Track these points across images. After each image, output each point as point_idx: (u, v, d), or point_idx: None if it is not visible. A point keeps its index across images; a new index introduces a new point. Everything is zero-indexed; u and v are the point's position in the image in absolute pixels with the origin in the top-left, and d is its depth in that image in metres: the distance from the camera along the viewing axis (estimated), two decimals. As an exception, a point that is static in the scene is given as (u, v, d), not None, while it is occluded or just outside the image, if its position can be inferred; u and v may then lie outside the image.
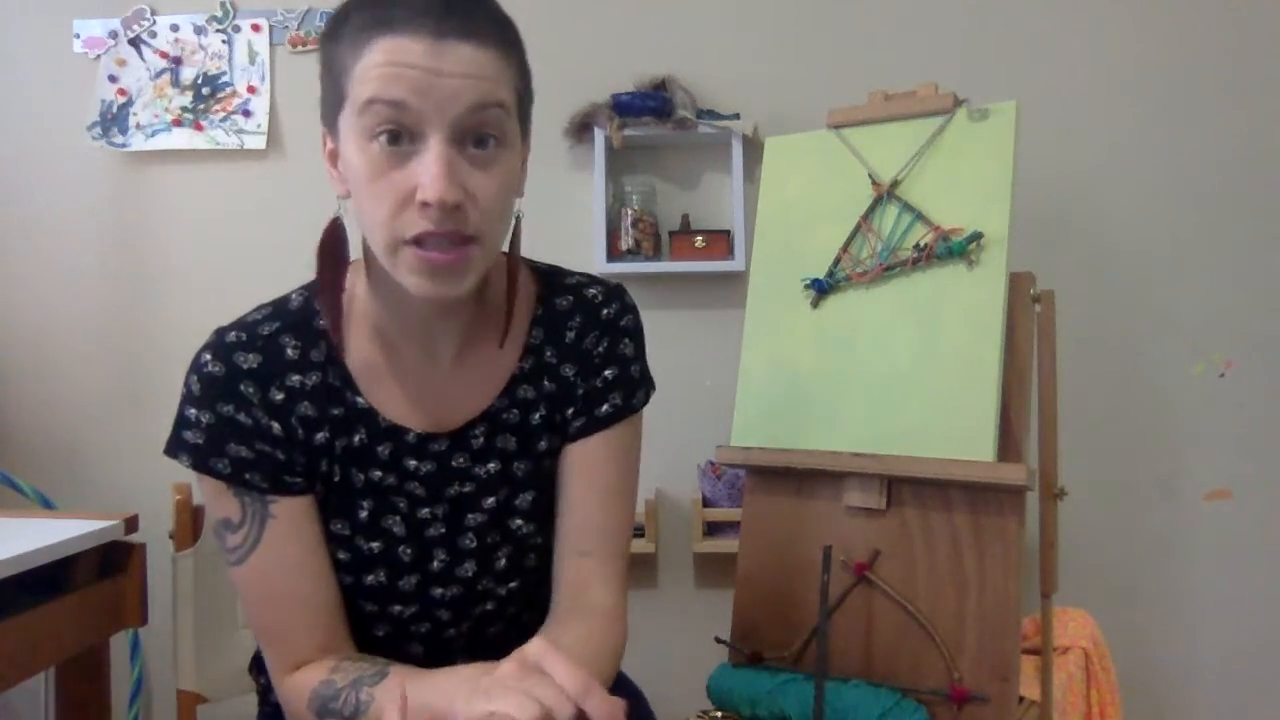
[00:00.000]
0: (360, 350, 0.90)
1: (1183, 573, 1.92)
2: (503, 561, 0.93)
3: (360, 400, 0.89)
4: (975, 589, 1.14)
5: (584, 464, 0.94)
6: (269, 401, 0.86)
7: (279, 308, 0.91)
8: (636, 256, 1.88)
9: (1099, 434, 1.90)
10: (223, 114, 1.97)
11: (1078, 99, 1.91)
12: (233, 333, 0.87)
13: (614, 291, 0.98)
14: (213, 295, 1.95)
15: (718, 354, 1.90)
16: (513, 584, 0.95)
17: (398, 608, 0.92)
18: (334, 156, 0.84)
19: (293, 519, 0.87)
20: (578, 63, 1.92)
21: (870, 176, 1.30)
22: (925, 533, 1.19)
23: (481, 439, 0.92)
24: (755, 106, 1.90)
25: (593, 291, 0.97)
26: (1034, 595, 1.24)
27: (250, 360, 0.86)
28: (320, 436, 0.88)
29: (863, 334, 1.27)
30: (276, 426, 0.86)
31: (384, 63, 0.75)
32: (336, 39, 0.79)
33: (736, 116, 1.88)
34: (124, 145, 1.96)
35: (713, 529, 1.85)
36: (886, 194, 1.28)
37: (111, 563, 1.44)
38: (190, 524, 1.37)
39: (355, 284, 0.90)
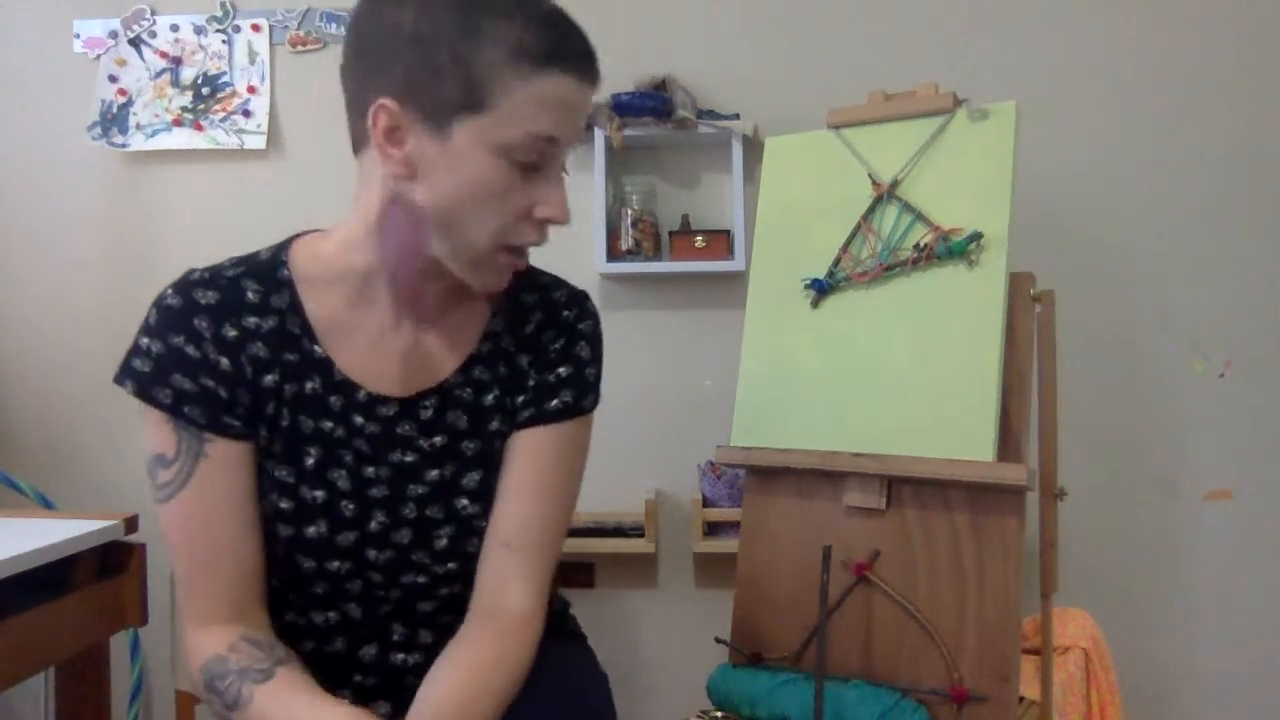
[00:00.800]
0: (325, 306, 0.92)
1: (1183, 573, 1.92)
2: (444, 541, 0.94)
3: (318, 349, 0.91)
4: (975, 589, 1.14)
5: (526, 456, 0.95)
6: (221, 337, 0.88)
7: (248, 258, 0.93)
8: (636, 256, 1.88)
9: (1099, 434, 1.90)
10: (223, 114, 1.97)
11: (1078, 99, 1.91)
12: (198, 273, 0.90)
13: (578, 296, 1.02)
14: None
15: (718, 354, 1.90)
16: (451, 565, 0.95)
17: (335, 563, 0.92)
18: (394, 133, 0.83)
19: (225, 462, 0.87)
20: (578, 63, 1.92)
21: (870, 176, 1.30)
22: (925, 533, 1.19)
23: (430, 411, 0.94)
24: (755, 106, 1.90)
25: (558, 294, 1.01)
26: (1034, 595, 1.24)
27: (209, 297, 0.88)
28: (269, 379, 0.89)
29: (863, 334, 1.27)
30: (225, 362, 0.87)
31: (557, 100, 0.81)
32: (490, 37, 0.79)
33: (736, 116, 1.88)
34: (124, 145, 1.96)
35: (713, 529, 1.85)
36: (886, 194, 1.28)
37: (111, 563, 1.44)
38: (190, 524, 1.37)
39: (326, 242, 0.93)
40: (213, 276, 0.90)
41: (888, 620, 1.19)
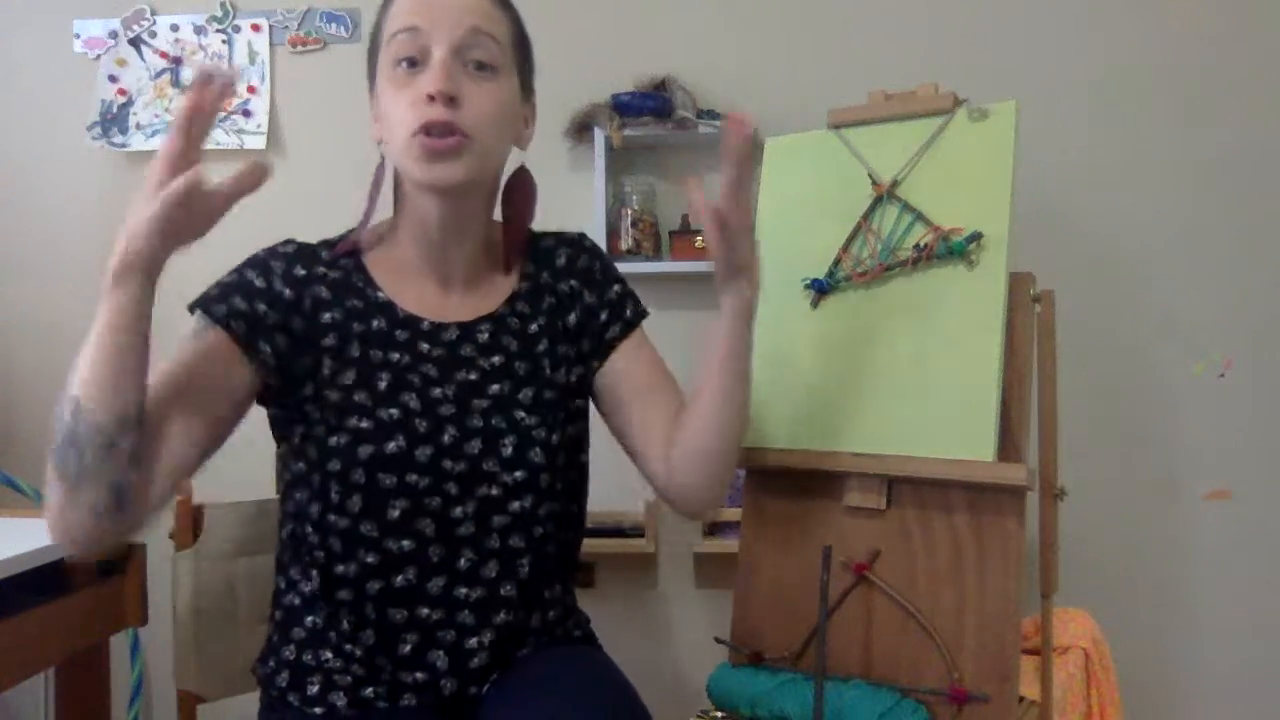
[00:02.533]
0: (384, 269, 1.08)
1: (1183, 572, 1.92)
2: (509, 450, 1.03)
3: (380, 294, 1.05)
4: (975, 589, 1.14)
5: (634, 364, 1.12)
6: (289, 273, 1.03)
7: (326, 239, 1.10)
8: (636, 256, 1.88)
9: (1099, 434, 1.90)
10: (223, 114, 1.97)
11: (1078, 99, 1.91)
12: (283, 241, 1.08)
13: (585, 235, 1.19)
14: (213, 295, 1.95)
15: (718, 354, 1.90)
16: (518, 473, 1.03)
17: (413, 477, 1.00)
18: (375, 115, 1.04)
19: (207, 348, 0.97)
20: (578, 63, 1.92)
21: (870, 176, 1.30)
22: (925, 533, 1.19)
23: (486, 335, 1.07)
24: (755, 106, 1.90)
25: (571, 235, 1.18)
26: (1034, 595, 1.24)
27: (289, 248, 1.06)
28: (329, 315, 1.03)
29: (863, 334, 1.26)
30: (288, 292, 1.01)
31: (402, 2, 1.00)
32: (380, 11, 1.03)
33: (736, 116, 1.88)
34: (124, 145, 1.96)
35: (713, 529, 1.85)
36: (886, 194, 1.28)
37: (111, 563, 1.44)
38: (190, 524, 1.37)
39: (379, 226, 1.10)
40: (294, 242, 1.07)
41: (888, 620, 1.19)
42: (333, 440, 0.97)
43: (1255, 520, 1.90)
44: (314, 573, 1.01)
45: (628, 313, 1.14)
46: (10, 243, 1.98)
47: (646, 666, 1.98)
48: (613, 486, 1.90)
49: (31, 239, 1.98)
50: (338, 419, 0.98)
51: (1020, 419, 1.16)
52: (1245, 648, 1.91)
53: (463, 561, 1.01)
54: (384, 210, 1.11)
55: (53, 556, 1.30)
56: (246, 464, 1.72)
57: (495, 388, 1.05)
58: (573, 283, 1.13)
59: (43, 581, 1.30)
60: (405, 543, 0.99)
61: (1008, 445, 1.15)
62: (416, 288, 1.07)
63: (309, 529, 1.01)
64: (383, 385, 1.01)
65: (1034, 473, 1.14)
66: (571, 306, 1.12)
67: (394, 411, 0.99)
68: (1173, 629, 1.93)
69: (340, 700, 1.00)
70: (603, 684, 1.03)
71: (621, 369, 1.12)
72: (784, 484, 1.30)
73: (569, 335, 1.12)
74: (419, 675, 1.01)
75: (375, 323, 1.03)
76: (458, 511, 1.01)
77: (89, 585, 1.40)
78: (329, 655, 1.01)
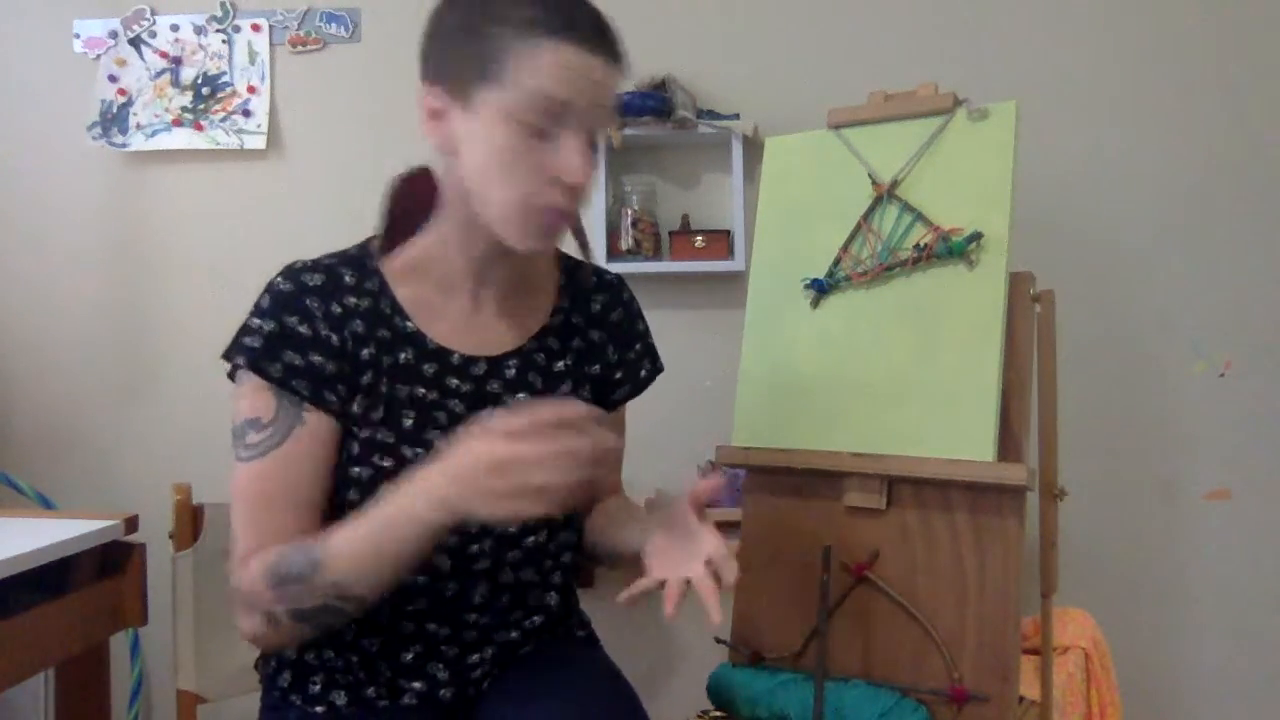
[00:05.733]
0: (411, 290, 1.01)
1: (1183, 573, 1.92)
2: None
3: (409, 324, 1.00)
4: (975, 589, 1.14)
5: (613, 424, 1.08)
6: (330, 314, 0.96)
7: (338, 253, 1.02)
8: (636, 256, 1.88)
9: (1099, 434, 1.90)
10: (223, 114, 1.97)
11: (1078, 99, 1.91)
12: (300, 262, 0.99)
13: (623, 281, 1.17)
14: (212, 295, 1.95)
15: (718, 354, 1.90)
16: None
17: None
18: (437, 114, 0.93)
19: (316, 433, 0.94)
20: (578, 63, 1.92)
21: (870, 176, 1.30)
22: (925, 533, 1.19)
23: (513, 371, 1.04)
24: (755, 106, 1.90)
25: (610, 278, 1.16)
26: (1034, 595, 1.24)
27: (315, 279, 0.96)
28: (366, 352, 0.97)
29: (863, 334, 1.26)
30: (335, 338, 0.95)
31: (563, 65, 0.88)
32: (498, 19, 0.89)
33: (736, 116, 1.88)
34: (124, 145, 1.96)
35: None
36: (886, 194, 1.28)
37: (111, 563, 1.44)
38: (190, 524, 1.37)
39: (418, 234, 1.02)
40: (314, 264, 0.98)
41: (888, 620, 1.18)
42: (354, 471, 0.96)
43: (1255, 520, 1.90)
44: None
45: (642, 373, 1.16)
46: (10, 242, 1.98)
47: (646, 666, 1.98)
48: (613, 486, 1.90)
49: (31, 239, 1.98)
50: (362, 452, 0.96)
51: (1020, 419, 1.16)
52: (1245, 647, 1.91)
53: (477, 596, 1.02)
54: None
55: (53, 556, 1.29)
56: (246, 464, 1.72)
57: None
58: (603, 334, 1.12)
59: (43, 581, 1.30)
60: (420, 578, 0.98)
61: (1008, 445, 1.15)
62: (446, 310, 1.02)
63: None
64: (409, 423, 0.98)
65: (1034, 473, 1.14)
66: (597, 358, 1.11)
67: (419, 450, 0.97)
68: (1173, 629, 1.93)
69: (341, 699, 1.00)
70: (602, 684, 1.03)
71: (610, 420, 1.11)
72: (784, 484, 1.30)
73: (588, 382, 1.11)
74: (417, 684, 1.01)
75: (403, 355, 0.99)
76: (474, 548, 1.00)
77: (89, 585, 1.40)
78: (332, 655, 1.01)
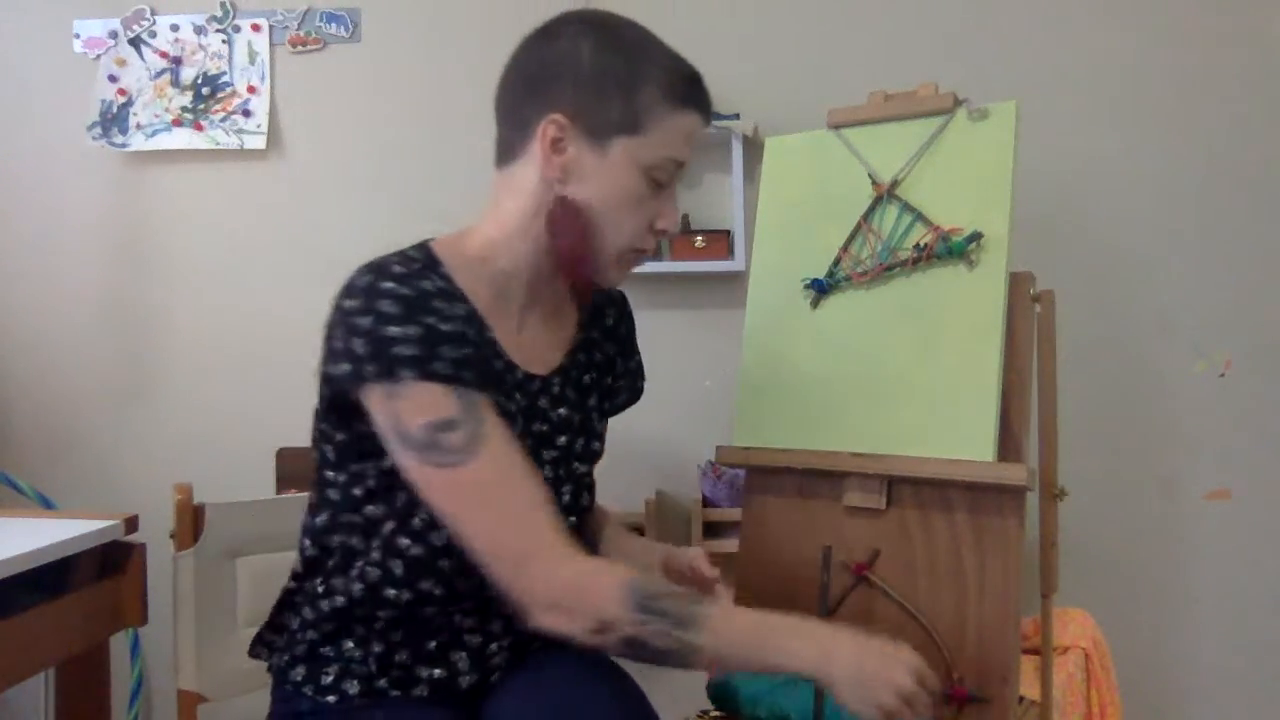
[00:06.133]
0: (478, 296, 1.01)
1: (1183, 572, 1.92)
2: (567, 498, 1.07)
3: (490, 334, 1.01)
4: (975, 589, 1.14)
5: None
6: (455, 314, 0.94)
7: (402, 255, 0.99)
8: (636, 256, 1.88)
9: (1099, 434, 1.90)
10: (222, 114, 1.97)
11: (1078, 99, 1.91)
12: (395, 266, 0.94)
13: (624, 294, 1.21)
14: (213, 295, 1.95)
15: (718, 354, 1.90)
16: (571, 518, 1.07)
17: None
18: (558, 144, 0.98)
19: (496, 415, 0.94)
20: (578, 63, 1.92)
21: (870, 176, 1.30)
22: (925, 533, 1.19)
23: (557, 388, 1.08)
24: (755, 106, 1.90)
25: (614, 291, 1.19)
26: (1034, 595, 1.24)
27: (426, 285, 0.94)
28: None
29: (863, 334, 1.27)
30: (469, 333, 0.95)
31: (690, 133, 1.02)
32: (650, 79, 0.99)
33: (736, 116, 1.88)
34: (124, 145, 1.96)
35: (713, 529, 1.85)
36: (886, 194, 1.28)
37: (111, 563, 1.44)
38: (191, 524, 1.37)
39: (466, 245, 1.03)
40: (408, 269, 0.94)
41: (888, 620, 1.18)
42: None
43: (1255, 520, 1.90)
44: (359, 586, 1.00)
45: (638, 384, 1.22)
46: (10, 242, 1.98)
47: (647, 666, 1.97)
48: (613, 487, 1.89)
49: (31, 239, 1.98)
50: None
51: (1020, 419, 1.16)
52: (1245, 648, 1.91)
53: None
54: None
55: (53, 556, 1.30)
56: (247, 464, 1.72)
57: (562, 439, 1.07)
58: (615, 347, 1.18)
59: (43, 581, 1.30)
60: (460, 580, 0.99)
61: (1008, 445, 1.15)
62: (503, 324, 1.03)
63: (374, 544, 0.99)
64: None
65: (1034, 473, 1.14)
66: (610, 369, 1.17)
67: None
68: (1173, 629, 1.92)
69: (354, 688, 1.00)
70: (610, 679, 1.03)
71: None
72: (784, 484, 1.30)
73: (605, 394, 1.16)
74: (437, 671, 1.02)
75: (496, 362, 1.01)
76: None
77: (89, 585, 1.40)
78: (350, 645, 1.01)
